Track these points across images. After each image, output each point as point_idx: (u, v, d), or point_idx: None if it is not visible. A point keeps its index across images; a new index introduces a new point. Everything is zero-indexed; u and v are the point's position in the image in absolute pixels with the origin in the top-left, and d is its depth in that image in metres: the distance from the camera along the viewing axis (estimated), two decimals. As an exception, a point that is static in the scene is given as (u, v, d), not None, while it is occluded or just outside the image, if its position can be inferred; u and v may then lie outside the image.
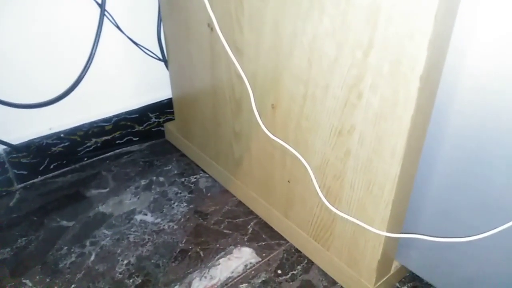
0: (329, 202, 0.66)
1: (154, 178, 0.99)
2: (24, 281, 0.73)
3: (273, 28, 0.64)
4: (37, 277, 0.74)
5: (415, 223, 0.63)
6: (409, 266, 0.69)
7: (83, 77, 0.93)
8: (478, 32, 0.47)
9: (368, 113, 0.55)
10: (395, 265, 0.71)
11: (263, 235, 0.83)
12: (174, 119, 1.10)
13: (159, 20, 1.00)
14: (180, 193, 0.95)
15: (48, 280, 0.73)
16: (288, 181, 0.75)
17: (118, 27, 0.94)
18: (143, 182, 0.98)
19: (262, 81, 0.71)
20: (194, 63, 0.88)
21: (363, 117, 0.56)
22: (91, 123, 0.99)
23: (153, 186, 0.96)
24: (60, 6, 0.86)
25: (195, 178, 1.00)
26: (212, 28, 0.77)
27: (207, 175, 1.00)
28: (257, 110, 0.71)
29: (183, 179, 0.99)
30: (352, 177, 0.62)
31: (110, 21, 0.93)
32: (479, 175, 0.53)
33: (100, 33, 0.84)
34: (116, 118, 1.03)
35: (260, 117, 0.72)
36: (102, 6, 0.81)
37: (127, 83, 1.03)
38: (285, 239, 0.82)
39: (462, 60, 0.49)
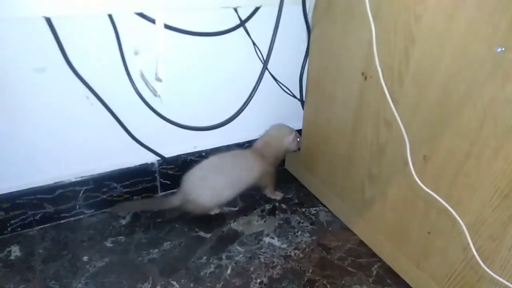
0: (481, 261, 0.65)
1: (277, 204, 1.06)
2: (172, 282, 0.82)
3: (441, 86, 0.68)
4: (183, 280, 0.83)
5: None
6: None
7: (240, 112, 0.99)
8: None
9: (550, 183, 0.55)
10: None
11: (388, 280, 0.84)
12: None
13: (304, 63, 1.08)
14: (302, 223, 1.00)
15: (192, 285, 0.82)
16: (428, 233, 0.76)
17: (274, 77, 1.06)
18: (267, 206, 1.05)
19: (415, 132, 0.74)
20: (336, 105, 0.94)
21: (541, 186, 0.56)
22: (228, 146, 1.10)
23: (276, 212, 1.03)
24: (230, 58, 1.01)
25: (315, 210, 1.04)
26: (366, 77, 0.83)
27: (326, 209, 1.04)
28: (410, 159, 0.74)
29: (303, 209, 1.04)
30: (514, 241, 0.61)
31: (269, 73, 1.05)
32: None
33: (260, 81, 0.93)
34: (247, 144, 1.13)
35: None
36: (265, 64, 0.92)
37: (262, 114, 1.13)
38: (412, 288, 0.82)
39: None
